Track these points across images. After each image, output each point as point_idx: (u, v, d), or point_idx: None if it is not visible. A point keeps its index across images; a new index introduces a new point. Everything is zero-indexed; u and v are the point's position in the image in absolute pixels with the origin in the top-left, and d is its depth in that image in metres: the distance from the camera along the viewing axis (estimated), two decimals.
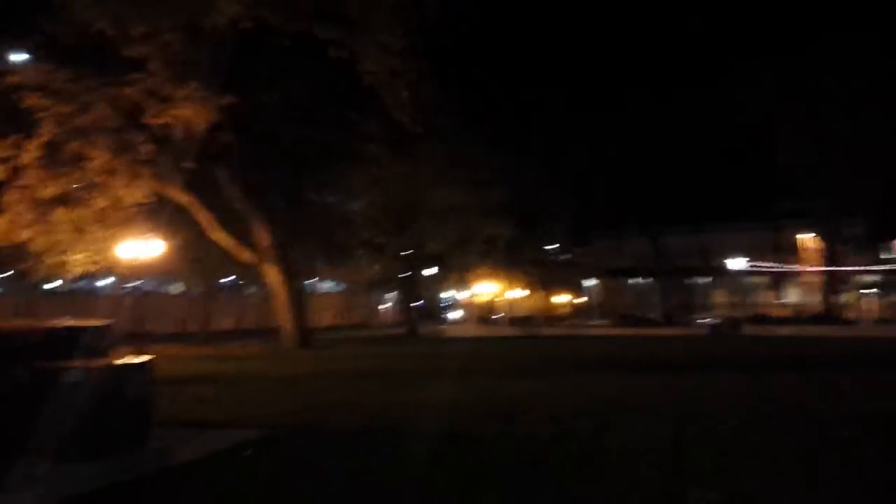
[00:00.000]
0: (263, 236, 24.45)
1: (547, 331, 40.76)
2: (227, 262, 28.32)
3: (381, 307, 63.40)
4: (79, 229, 16.79)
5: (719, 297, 57.23)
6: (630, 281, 62.50)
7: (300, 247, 28.43)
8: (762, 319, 44.45)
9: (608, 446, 7.19)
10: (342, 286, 56.22)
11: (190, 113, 17.91)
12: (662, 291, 52.68)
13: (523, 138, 39.30)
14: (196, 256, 28.11)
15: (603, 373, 14.48)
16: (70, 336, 8.10)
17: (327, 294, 54.42)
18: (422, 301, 60.55)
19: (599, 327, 48.65)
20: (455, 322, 61.29)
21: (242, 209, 24.32)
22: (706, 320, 46.06)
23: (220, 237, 23.76)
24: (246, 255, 24.62)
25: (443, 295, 63.90)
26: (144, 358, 7.49)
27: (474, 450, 7.07)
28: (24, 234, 15.75)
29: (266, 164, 25.74)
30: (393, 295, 62.24)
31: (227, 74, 19.00)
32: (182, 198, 22.09)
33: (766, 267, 48.01)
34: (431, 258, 34.79)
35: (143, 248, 21.20)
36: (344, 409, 9.83)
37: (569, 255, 62.95)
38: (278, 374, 14.94)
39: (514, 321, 55.51)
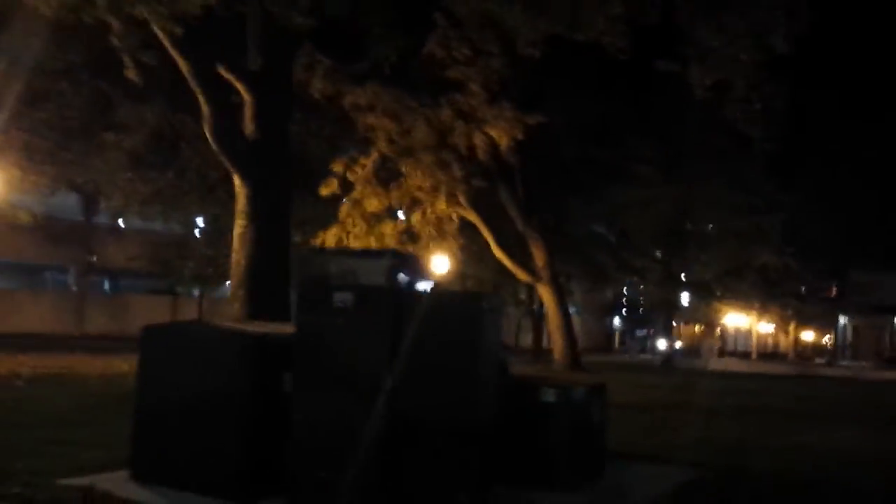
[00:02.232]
0: (539, 256, 24.23)
1: (812, 370, 37.13)
2: (493, 280, 28.48)
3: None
4: (401, 243, 17.46)
5: None
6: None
7: (563, 268, 28.00)
8: None
9: None
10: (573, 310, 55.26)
11: (497, 133, 18.00)
12: None
13: (795, 160, 36.00)
14: (464, 274, 28.53)
15: None
16: None
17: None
18: (647, 329, 58.18)
19: (863, 369, 43.65)
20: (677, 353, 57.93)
21: (521, 228, 24.26)
22: None
23: (500, 255, 23.89)
24: (522, 275, 24.58)
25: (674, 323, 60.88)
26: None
27: None
28: (355, 245, 16.61)
29: (540, 183, 25.60)
30: (617, 321, 60.59)
31: (531, 93, 18.99)
32: (469, 215, 22.41)
33: None
34: (693, 285, 32.99)
35: (437, 263, 21.71)
36: (748, 449, 8.85)
37: (821, 289, 57.51)
38: None
39: (762, 356, 51.71)
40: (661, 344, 61.69)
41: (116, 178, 17.78)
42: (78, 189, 19.16)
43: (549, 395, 6.19)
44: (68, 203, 24.71)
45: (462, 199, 19.75)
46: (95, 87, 16.18)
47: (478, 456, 5.05)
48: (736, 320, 48.58)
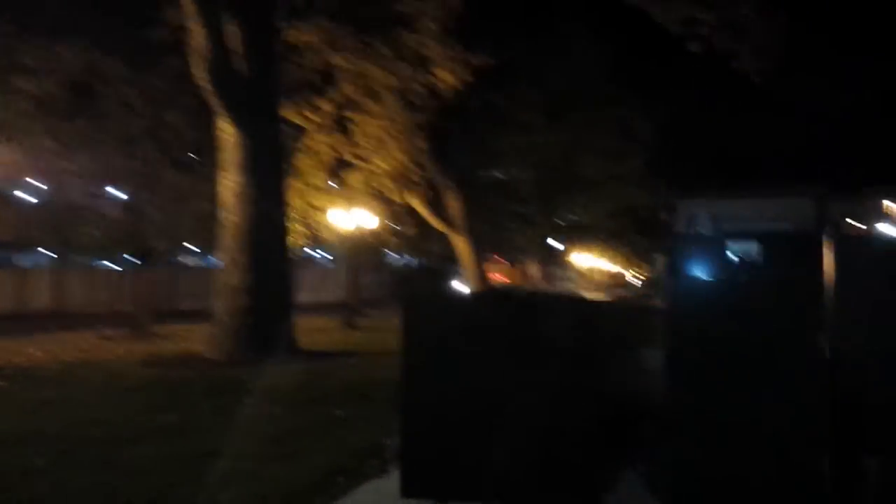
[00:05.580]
0: (455, 206, 23.69)
1: None
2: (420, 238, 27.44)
3: None
4: (370, 194, 16.05)
5: None
6: None
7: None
8: None
9: None
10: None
11: (446, 74, 17.05)
12: None
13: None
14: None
15: None
16: None
17: None
18: None
19: None
20: None
21: (436, 178, 23.45)
22: None
23: (416, 204, 22.97)
24: (440, 225, 23.93)
25: None
26: None
27: None
28: (317, 201, 15.00)
29: (448, 131, 24.78)
30: None
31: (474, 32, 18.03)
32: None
33: None
34: (576, 230, 34.01)
35: (363, 218, 20.38)
36: None
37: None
38: None
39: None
40: None
41: (15, 128, 14.35)
42: None
43: None
44: None
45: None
46: None
47: None
48: (581, 260, 50.74)
